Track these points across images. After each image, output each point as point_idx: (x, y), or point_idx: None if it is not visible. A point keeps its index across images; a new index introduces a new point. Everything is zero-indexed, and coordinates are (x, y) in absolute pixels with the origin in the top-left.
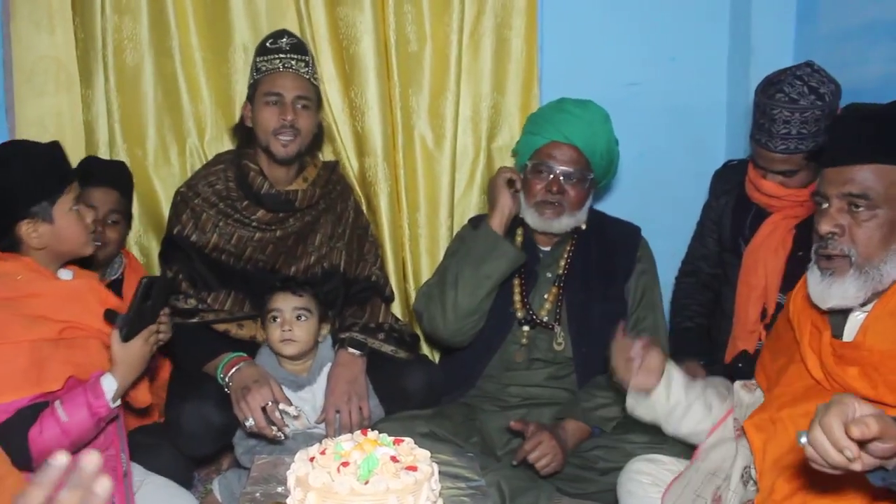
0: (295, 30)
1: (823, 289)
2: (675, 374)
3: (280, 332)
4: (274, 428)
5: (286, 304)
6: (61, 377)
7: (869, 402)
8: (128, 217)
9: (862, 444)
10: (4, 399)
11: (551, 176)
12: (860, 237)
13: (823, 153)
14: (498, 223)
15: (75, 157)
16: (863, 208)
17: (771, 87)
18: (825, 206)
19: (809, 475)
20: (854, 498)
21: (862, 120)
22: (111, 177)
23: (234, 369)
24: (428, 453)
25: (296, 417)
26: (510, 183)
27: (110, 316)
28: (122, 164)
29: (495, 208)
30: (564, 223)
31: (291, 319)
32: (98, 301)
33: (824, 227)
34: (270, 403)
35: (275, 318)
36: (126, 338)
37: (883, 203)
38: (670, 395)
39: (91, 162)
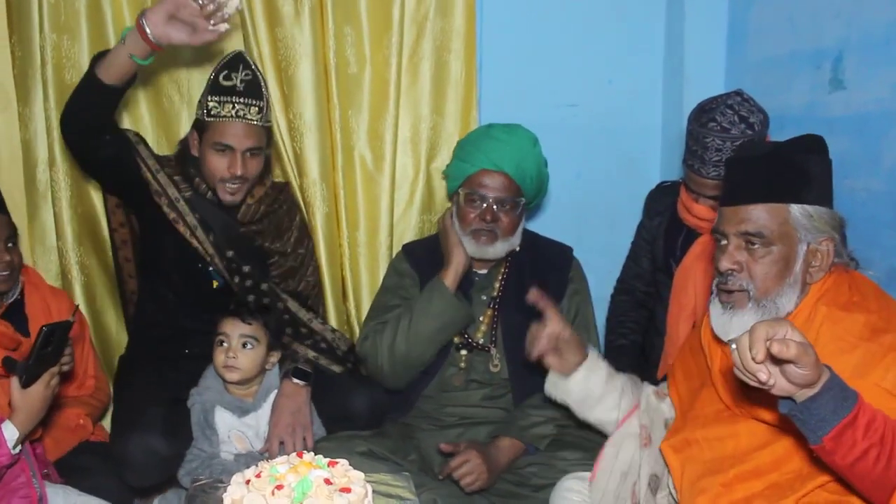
0: (241, 48)
1: (724, 321)
2: (597, 365)
3: (224, 358)
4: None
5: (234, 331)
6: None
7: (772, 427)
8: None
9: (780, 364)
10: None
11: (484, 205)
12: (757, 273)
13: (721, 192)
14: (452, 281)
15: (13, 175)
16: (758, 245)
17: (703, 115)
18: (724, 242)
19: (727, 497)
20: None
21: (754, 161)
22: None
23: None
24: (362, 475)
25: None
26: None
27: (9, 364)
28: None
29: (450, 265)
30: (499, 248)
31: (237, 347)
32: None
33: (724, 264)
34: None
35: (221, 343)
36: (26, 384)
37: (777, 240)
38: (588, 384)
39: None
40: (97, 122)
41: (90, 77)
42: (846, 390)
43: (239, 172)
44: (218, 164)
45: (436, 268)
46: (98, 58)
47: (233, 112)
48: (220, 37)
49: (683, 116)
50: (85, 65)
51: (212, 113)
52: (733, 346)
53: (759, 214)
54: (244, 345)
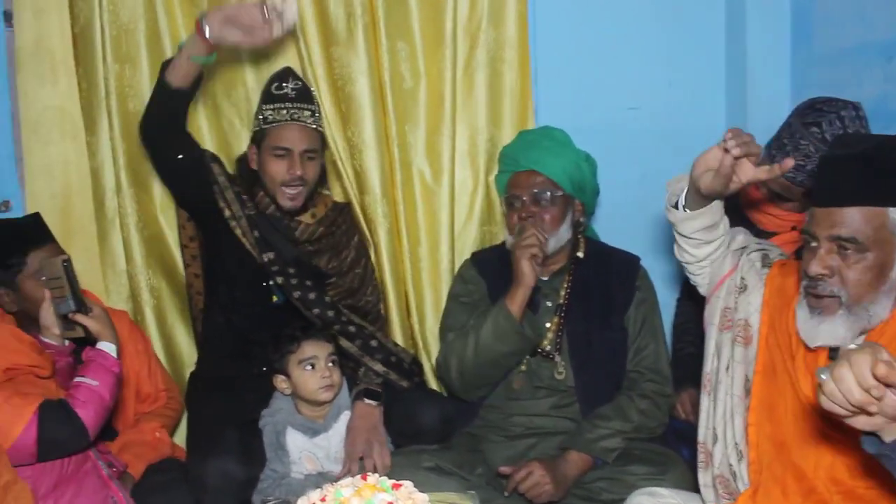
0: (297, 70)
1: (812, 327)
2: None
3: (319, 380)
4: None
5: (321, 352)
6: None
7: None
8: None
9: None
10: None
11: (520, 205)
12: (850, 279)
13: (813, 190)
14: (518, 308)
15: (83, 203)
16: (851, 251)
17: (811, 114)
18: (814, 244)
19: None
20: None
21: (850, 160)
22: (48, 233)
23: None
24: (426, 497)
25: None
26: (534, 257)
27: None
28: (37, 215)
29: (518, 288)
30: (550, 246)
31: (328, 366)
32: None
33: (814, 268)
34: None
35: (312, 366)
36: (86, 311)
37: (872, 246)
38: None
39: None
40: (169, 123)
41: (160, 82)
42: None
43: (298, 173)
44: (278, 168)
45: (502, 275)
46: (166, 64)
47: (287, 116)
48: (274, 43)
49: (747, 115)
50: (147, 93)
51: (268, 120)
52: (823, 376)
53: (853, 218)
54: (333, 362)
